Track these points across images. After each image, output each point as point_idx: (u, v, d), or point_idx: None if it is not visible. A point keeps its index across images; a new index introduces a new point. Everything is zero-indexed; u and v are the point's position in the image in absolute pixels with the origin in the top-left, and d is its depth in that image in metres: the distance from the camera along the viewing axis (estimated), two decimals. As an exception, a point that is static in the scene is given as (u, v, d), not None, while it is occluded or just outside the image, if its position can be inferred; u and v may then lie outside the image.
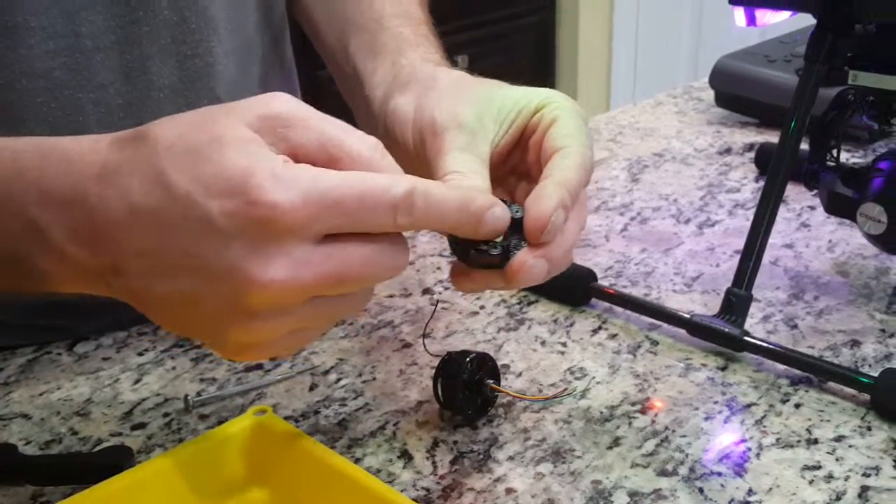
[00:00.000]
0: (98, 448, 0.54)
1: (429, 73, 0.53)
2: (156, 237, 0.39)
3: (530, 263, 0.44)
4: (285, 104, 0.40)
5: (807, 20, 0.65)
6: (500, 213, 0.43)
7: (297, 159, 0.39)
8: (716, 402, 0.58)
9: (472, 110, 0.48)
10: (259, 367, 0.62)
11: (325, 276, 0.39)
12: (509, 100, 0.49)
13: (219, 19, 0.62)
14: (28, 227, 0.41)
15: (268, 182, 0.37)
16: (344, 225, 0.39)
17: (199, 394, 0.59)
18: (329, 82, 0.66)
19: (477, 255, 0.44)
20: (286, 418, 0.56)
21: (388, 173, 0.40)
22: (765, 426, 0.55)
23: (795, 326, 0.65)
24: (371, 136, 0.41)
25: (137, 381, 0.61)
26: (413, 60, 0.56)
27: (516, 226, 0.44)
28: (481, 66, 0.55)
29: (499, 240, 0.44)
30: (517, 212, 0.44)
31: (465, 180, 0.45)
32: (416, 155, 0.49)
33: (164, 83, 0.61)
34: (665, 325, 0.65)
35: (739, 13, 0.66)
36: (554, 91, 0.50)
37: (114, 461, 0.51)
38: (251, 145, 0.38)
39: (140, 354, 0.64)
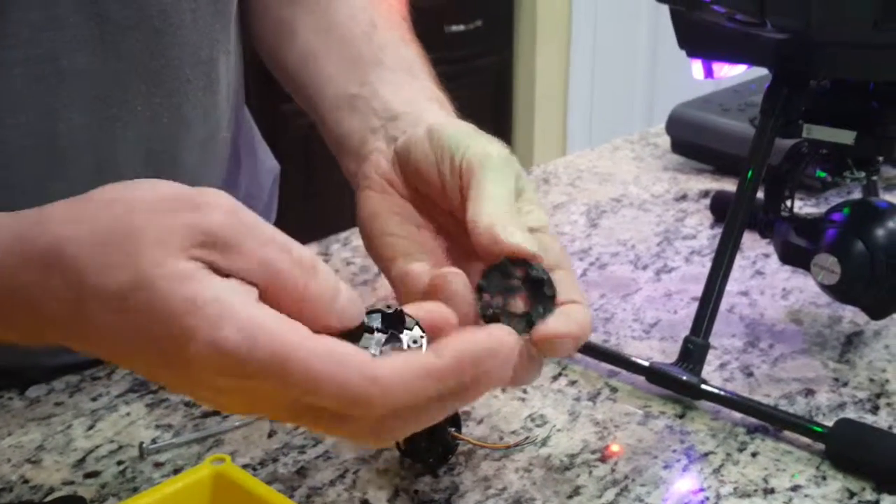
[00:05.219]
0: (50, 497, 0.53)
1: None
2: (130, 354, 0.40)
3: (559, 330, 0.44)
4: (222, 219, 0.38)
5: (759, 70, 0.66)
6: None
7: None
8: (674, 451, 0.58)
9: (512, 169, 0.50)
10: (216, 413, 0.61)
11: (291, 417, 0.41)
12: (527, 194, 0.49)
13: (191, 117, 0.62)
14: None
15: (238, 340, 0.37)
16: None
17: (154, 441, 0.58)
18: (293, 116, 0.66)
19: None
20: (244, 466, 0.56)
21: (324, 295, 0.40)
22: (722, 475, 0.56)
23: (751, 374, 0.66)
24: (308, 256, 0.40)
25: (91, 427, 0.60)
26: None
27: (535, 288, 0.44)
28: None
29: (520, 311, 0.44)
30: (537, 270, 0.44)
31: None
32: (454, 169, 0.49)
33: (130, 176, 0.60)
34: (624, 372, 0.65)
35: (697, 66, 0.67)
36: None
37: (67, 511, 0.50)
38: (187, 284, 0.37)
39: (94, 399, 0.63)
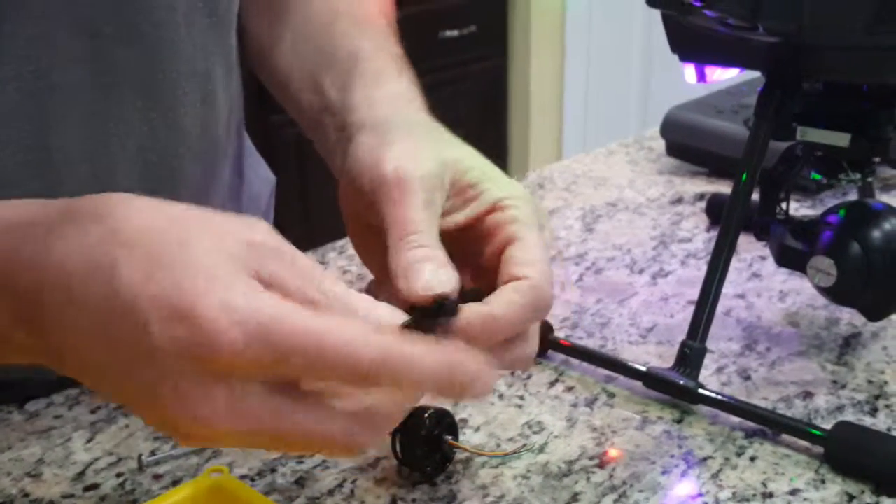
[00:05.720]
0: (49, 511, 0.53)
1: (398, 115, 0.53)
2: (95, 343, 0.37)
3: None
4: (268, 233, 0.39)
5: (752, 73, 0.66)
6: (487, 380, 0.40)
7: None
8: (672, 456, 0.58)
9: (435, 165, 0.47)
10: (214, 423, 0.61)
11: (264, 431, 0.37)
12: (471, 172, 0.48)
13: (189, 127, 0.62)
14: None
15: (217, 313, 0.35)
16: (298, 375, 0.37)
17: (152, 453, 0.58)
18: (283, 126, 0.66)
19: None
20: (242, 477, 0.56)
21: (364, 314, 0.39)
22: (721, 480, 0.56)
23: (749, 378, 0.66)
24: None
25: (90, 440, 0.60)
26: (386, 96, 0.55)
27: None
28: (433, 112, 0.55)
29: None
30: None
31: (424, 247, 0.44)
32: (371, 196, 0.48)
33: (128, 188, 0.60)
34: (621, 377, 0.65)
35: (690, 70, 0.68)
36: (515, 186, 0.48)
37: (65, 525, 0.50)
38: (220, 261, 0.37)
39: (92, 412, 0.62)
